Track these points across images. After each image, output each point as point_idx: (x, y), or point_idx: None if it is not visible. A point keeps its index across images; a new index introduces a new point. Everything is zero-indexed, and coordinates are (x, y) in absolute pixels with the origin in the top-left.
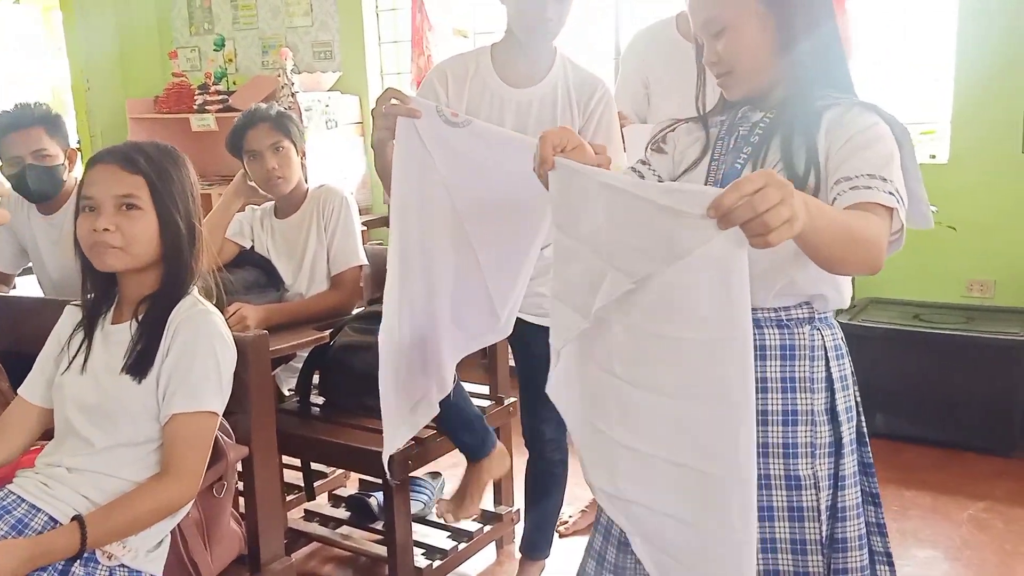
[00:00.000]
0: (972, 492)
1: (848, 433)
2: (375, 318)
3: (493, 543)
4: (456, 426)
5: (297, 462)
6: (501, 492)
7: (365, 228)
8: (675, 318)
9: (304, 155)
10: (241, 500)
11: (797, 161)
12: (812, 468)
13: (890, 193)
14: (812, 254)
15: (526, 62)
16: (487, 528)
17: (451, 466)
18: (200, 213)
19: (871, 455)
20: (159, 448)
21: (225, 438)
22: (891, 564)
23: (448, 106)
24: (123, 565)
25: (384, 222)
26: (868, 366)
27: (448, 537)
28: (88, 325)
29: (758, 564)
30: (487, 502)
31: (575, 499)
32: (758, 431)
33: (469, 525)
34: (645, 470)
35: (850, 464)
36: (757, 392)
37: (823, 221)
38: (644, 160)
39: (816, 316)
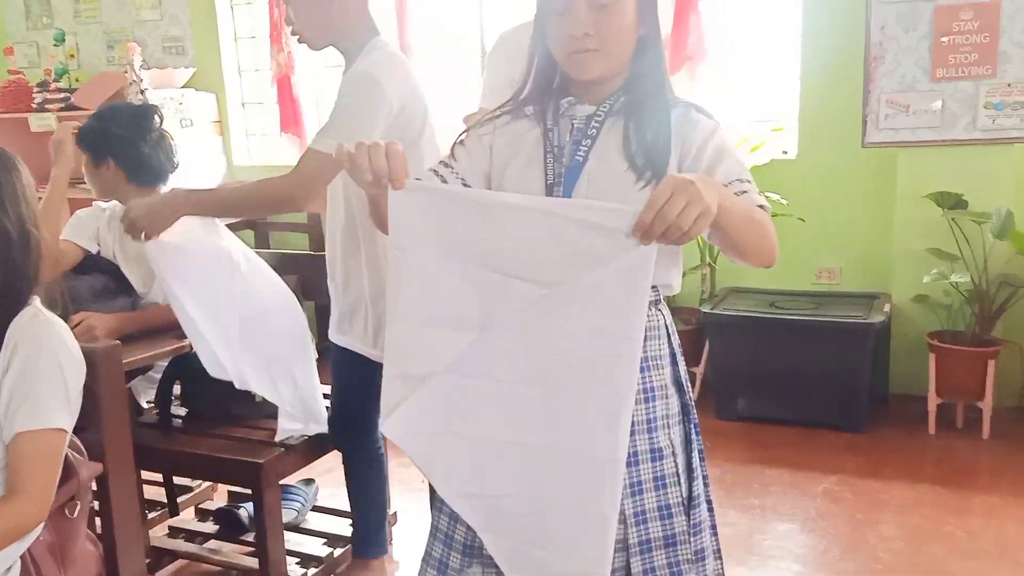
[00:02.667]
0: (825, 467)
1: (689, 399)
2: None
3: None
4: (364, 501)
5: (159, 477)
6: None
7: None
8: (577, 319)
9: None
10: (98, 519)
11: (649, 152)
12: (668, 438)
13: (759, 193)
14: (723, 238)
15: None
16: None
17: (325, 471)
18: (37, 219)
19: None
20: (4, 470)
21: (76, 455)
22: (712, 509)
23: None
24: None
25: (245, 224)
26: (730, 352)
27: (323, 544)
28: None
29: (632, 536)
30: None
31: None
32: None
33: (345, 530)
34: (524, 460)
35: (691, 426)
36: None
37: (731, 203)
38: (446, 162)
39: (660, 299)
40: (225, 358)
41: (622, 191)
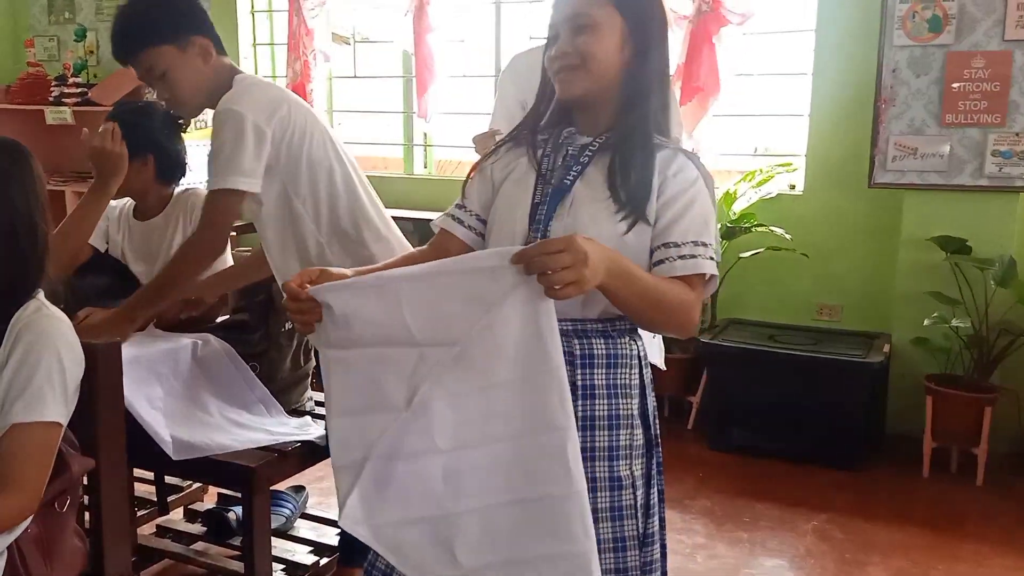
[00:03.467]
0: (816, 504)
1: (654, 434)
2: (241, 328)
3: None
4: None
5: (150, 475)
6: None
7: (235, 233)
8: (495, 365)
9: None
10: (86, 514)
11: (632, 191)
12: (629, 468)
13: (710, 258)
14: (623, 311)
15: None
16: None
17: (316, 479)
18: (46, 213)
19: (662, 455)
20: None
21: (69, 449)
22: (664, 555)
23: None
24: None
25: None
26: (726, 383)
27: (310, 552)
28: None
29: None
30: None
31: None
32: (585, 436)
33: (332, 539)
34: (489, 524)
35: (654, 463)
36: (585, 399)
37: (630, 290)
38: (460, 203)
39: (636, 327)
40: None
41: (599, 216)
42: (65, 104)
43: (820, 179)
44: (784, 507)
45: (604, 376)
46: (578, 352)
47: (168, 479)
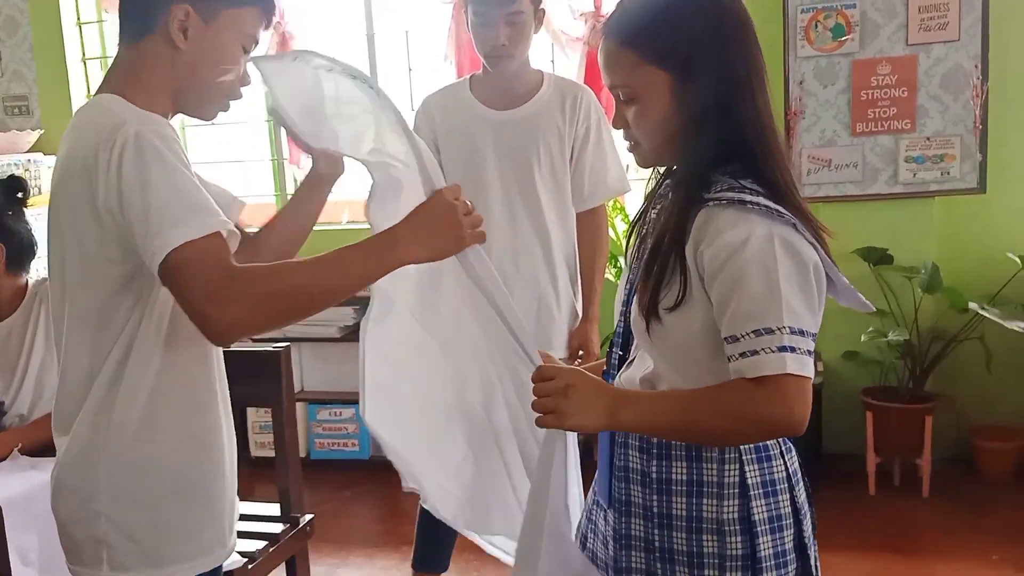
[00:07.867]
0: None
1: (764, 550)
2: None
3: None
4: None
5: None
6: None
7: None
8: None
9: None
10: None
11: (666, 271)
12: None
13: (779, 348)
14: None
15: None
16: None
17: None
18: None
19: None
20: None
21: None
22: None
23: None
24: None
25: None
26: None
27: None
28: None
29: None
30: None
31: None
32: (664, 567)
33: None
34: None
35: None
36: (661, 527)
37: (655, 421)
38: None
39: (727, 448)
40: None
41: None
42: None
43: None
44: None
45: (685, 506)
46: (655, 475)
47: None
